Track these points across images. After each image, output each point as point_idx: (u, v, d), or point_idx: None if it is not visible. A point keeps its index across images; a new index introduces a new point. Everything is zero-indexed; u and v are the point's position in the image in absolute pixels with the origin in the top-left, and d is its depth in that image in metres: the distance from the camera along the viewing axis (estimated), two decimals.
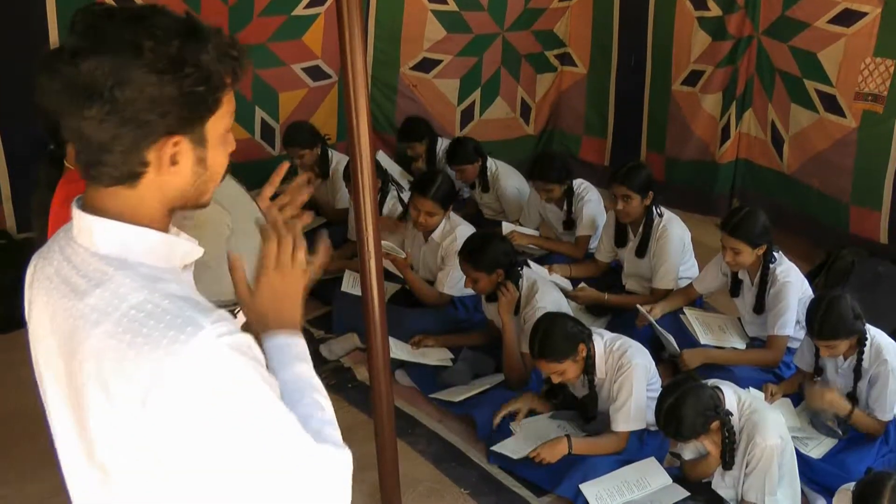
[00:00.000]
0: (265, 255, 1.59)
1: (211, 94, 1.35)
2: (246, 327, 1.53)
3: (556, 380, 3.96)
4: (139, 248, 1.39)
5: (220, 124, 1.41)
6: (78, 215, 1.41)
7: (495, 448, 4.07)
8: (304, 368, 1.55)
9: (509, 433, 4.15)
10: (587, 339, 3.96)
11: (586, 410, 4.12)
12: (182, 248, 1.46)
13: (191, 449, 1.31)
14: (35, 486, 3.78)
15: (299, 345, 1.57)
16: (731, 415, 3.52)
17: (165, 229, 1.44)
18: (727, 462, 3.56)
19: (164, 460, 1.33)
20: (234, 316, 1.66)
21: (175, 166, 1.38)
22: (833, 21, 5.66)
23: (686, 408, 3.41)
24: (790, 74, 6.09)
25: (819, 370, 4.17)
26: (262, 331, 1.57)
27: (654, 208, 5.02)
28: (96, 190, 1.40)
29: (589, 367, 3.98)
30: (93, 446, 1.37)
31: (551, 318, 4.01)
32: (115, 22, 1.30)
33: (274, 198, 1.93)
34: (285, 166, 1.79)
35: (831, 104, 5.79)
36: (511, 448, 4.05)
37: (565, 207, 5.67)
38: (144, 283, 1.34)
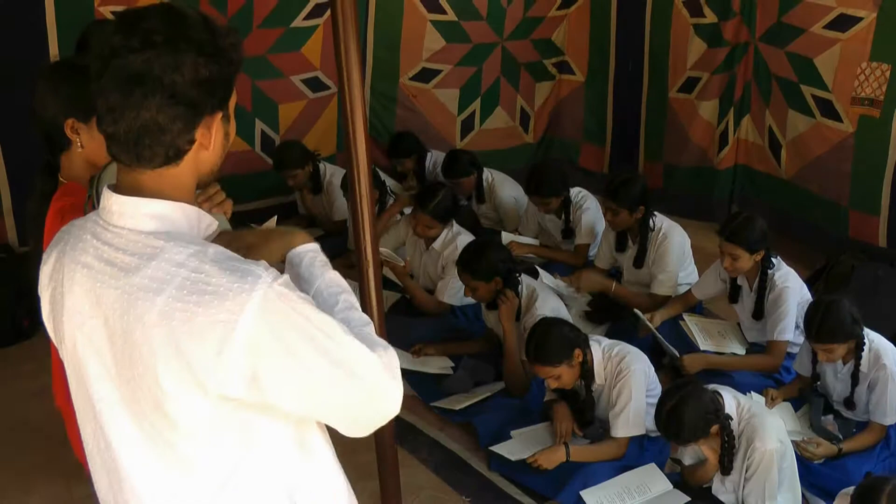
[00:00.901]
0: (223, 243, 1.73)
1: (235, 74, 1.54)
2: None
3: (552, 384, 3.97)
4: (180, 220, 1.54)
5: (232, 102, 1.58)
6: (117, 200, 1.52)
7: (494, 448, 4.08)
8: (332, 274, 1.73)
9: (509, 439, 4.16)
10: (584, 344, 3.97)
11: (583, 415, 4.13)
12: (206, 220, 1.61)
13: (270, 386, 1.46)
14: (35, 497, 3.80)
15: (320, 253, 1.78)
16: (731, 419, 3.53)
17: (193, 204, 1.59)
18: (725, 467, 3.56)
19: (238, 403, 1.48)
20: None
21: (212, 141, 1.55)
22: (828, 26, 5.69)
23: (687, 411, 3.42)
24: (787, 80, 6.11)
25: (816, 376, 4.18)
26: (289, 247, 1.78)
27: (649, 219, 5.02)
28: (134, 173, 1.52)
29: (585, 372, 3.98)
30: (161, 405, 1.48)
31: (548, 323, 4.03)
32: (154, 18, 1.45)
33: None
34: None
35: (828, 109, 5.81)
36: (509, 450, 4.05)
37: (563, 217, 5.68)
38: (195, 249, 1.47)
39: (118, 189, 1.53)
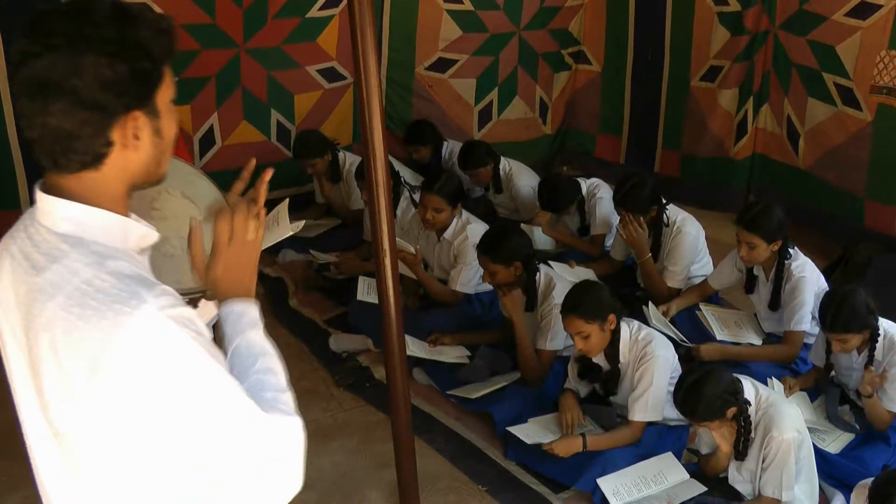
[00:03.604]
0: (219, 229, 1.70)
1: (155, 67, 1.45)
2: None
3: (578, 344, 3.96)
4: (94, 227, 1.47)
5: (166, 95, 1.50)
6: (40, 197, 1.49)
7: (510, 428, 4.09)
8: (256, 334, 1.64)
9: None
10: (620, 313, 3.98)
11: (607, 387, 4.12)
12: (137, 231, 1.54)
13: (137, 416, 1.39)
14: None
15: (252, 312, 1.68)
16: (750, 404, 3.52)
17: (124, 212, 1.53)
18: (740, 452, 3.55)
19: (114, 427, 1.41)
20: (195, 304, 1.78)
21: (137, 140, 1.47)
22: (849, 14, 5.66)
23: (707, 387, 3.40)
24: (808, 68, 6.08)
25: (830, 366, 4.16)
26: (218, 299, 1.70)
27: (662, 215, 5.03)
28: (57, 175, 1.48)
29: (615, 341, 3.99)
30: (48, 411, 1.46)
31: (592, 282, 4.10)
32: (55, 19, 1.39)
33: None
34: (269, 173, 1.86)
35: (849, 97, 5.79)
36: (525, 432, 4.06)
37: (579, 217, 5.74)
38: (96, 259, 1.42)
39: (46, 187, 1.49)
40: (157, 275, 1.61)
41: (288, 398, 1.57)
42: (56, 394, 1.42)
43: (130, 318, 1.35)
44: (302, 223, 2.45)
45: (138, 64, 1.41)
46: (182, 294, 1.55)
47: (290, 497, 1.53)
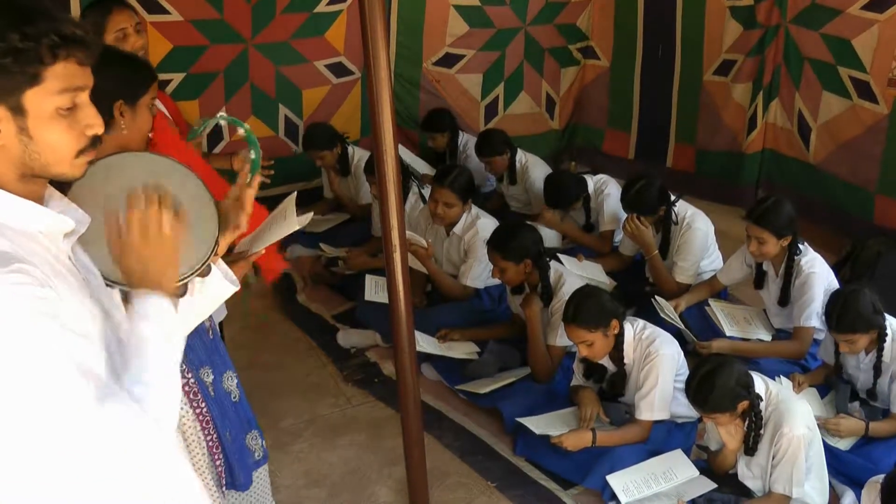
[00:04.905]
0: (128, 220, 1.70)
1: (20, 66, 1.46)
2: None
3: (582, 351, 3.95)
4: None
5: (45, 100, 1.51)
6: None
7: (520, 419, 4.08)
8: (144, 326, 1.65)
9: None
10: (622, 317, 3.97)
11: (614, 388, 4.11)
12: (36, 215, 1.57)
13: None
14: None
15: (150, 304, 1.69)
16: (761, 399, 3.50)
17: (29, 196, 1.56)
18: (749, 448, 3.54)
19: None
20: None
21: None
22: (866, 7, 5.64)
23: (720, 377, 3.38)
24: (822, 62, 6.06)
25: (839, 366, 4.15)
26: (130, 286, 1.72)
27: (671, 213, 5.02)
28: None
29: (619, 344, 3.97)
30: None
31: (591, 289, 4.06)
32: None
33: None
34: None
35: (865, 90, 5.76)
36: (535, 423, 4.05)
37: (585, 214, 5.74)
38: None
39: None
40: (98, 264, 1.71)
41: (147, 392, 1.57)
42: None
43: None
44: (310, 215, 2.44)
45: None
46: (110, 283, 1.68)
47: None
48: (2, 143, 1.50)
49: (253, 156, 2.78)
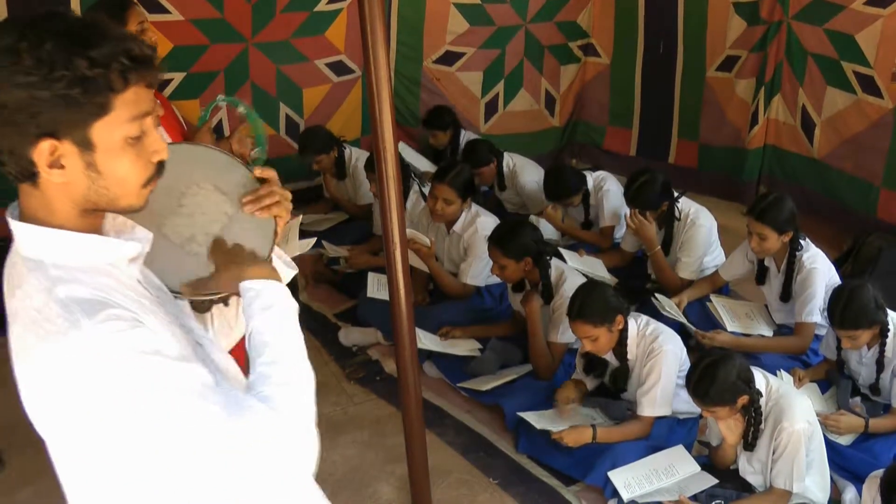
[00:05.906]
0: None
1: (89, 97, 1.33)
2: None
3: (587, 346, 3.95)
4: (50, 248, 1.43)
5: (114, 130, 1.38)
6: (8, 221, 1.46)
7: (521, 413, 4.09)
8: (263, 321, 1.63)
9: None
10: (627, 313, 3.97)
11: (616, 383, 4.12)
12: (107, 248, 1.49)
13: (95, 443, 1.38)
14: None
15: (267, 295, 1.67)
16: (761, 395, 3.50)
17: (88, 229, 1.47)
18: (749, 443, 3.54)
19: (79, 453, 1.42)
20: (226, 303, 1.81)
21: (61, 170, 1.38)
22: (869, 2, 5.65)
23: (721, 370, 3.38)
24: (826, 57, 6.06)
25: (841, 362, 4.15)
26: (238, 279, 1.69)
27: (674, 209, 5.03)
28: (22, 192, 1.44)
29: (622, 340, 3.98)
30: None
31: (596, 284, 4.07)
32: (3, 26, 1.33)
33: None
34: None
35: (869, 85, 5.77)
36: (535, 418, 4.06)
37: (583, 210, 5.74)
38: (48, 285, 1.38)
39: (16, 206, 1.47)
40: (179, 274, 1.62)
41: (285, 392, 1.53)
42: (30, 416, 1.42)
43: (60, 346, 1.32)
44: (312, 241, 2.45)
45: (64, 90, 1.31)
46: (203, 296, 1.57)
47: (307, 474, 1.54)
48: (66, 181, 1.39)
49: (254, 127, 2.74)
